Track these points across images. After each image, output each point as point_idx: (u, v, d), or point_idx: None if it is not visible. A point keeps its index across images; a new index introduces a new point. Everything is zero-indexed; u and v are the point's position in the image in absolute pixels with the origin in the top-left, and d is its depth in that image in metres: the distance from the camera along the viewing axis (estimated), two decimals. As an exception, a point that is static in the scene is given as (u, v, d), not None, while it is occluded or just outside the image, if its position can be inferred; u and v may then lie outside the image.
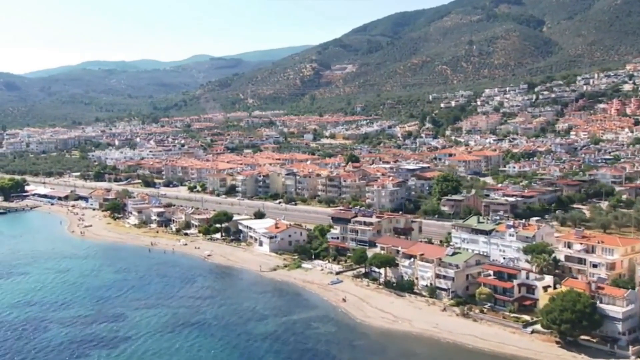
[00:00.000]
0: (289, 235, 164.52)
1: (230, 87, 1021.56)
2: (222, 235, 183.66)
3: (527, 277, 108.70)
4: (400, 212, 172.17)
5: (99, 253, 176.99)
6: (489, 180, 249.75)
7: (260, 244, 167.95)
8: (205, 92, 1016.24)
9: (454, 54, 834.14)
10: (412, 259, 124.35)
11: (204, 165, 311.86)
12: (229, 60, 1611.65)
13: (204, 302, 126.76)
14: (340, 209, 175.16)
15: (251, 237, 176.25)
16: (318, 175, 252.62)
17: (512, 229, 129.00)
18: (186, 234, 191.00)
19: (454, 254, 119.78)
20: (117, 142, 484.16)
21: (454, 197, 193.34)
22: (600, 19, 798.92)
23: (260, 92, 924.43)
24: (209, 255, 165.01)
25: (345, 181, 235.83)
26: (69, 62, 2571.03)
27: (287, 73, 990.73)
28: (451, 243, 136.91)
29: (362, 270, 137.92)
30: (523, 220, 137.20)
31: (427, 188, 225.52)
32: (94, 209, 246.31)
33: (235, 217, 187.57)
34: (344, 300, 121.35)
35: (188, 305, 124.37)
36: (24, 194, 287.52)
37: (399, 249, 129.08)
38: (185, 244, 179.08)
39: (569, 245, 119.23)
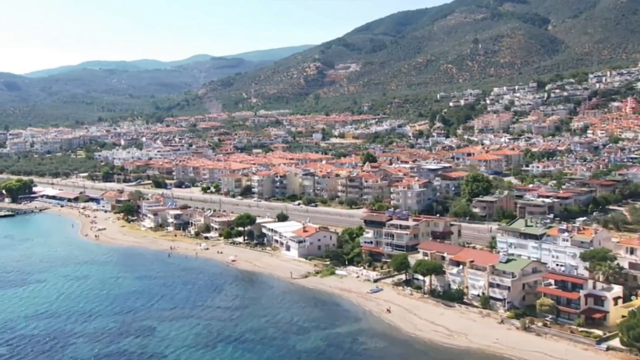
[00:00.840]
0: (318, 240, 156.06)
1: (233, 86, 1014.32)
2: (244, 239, 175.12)
3: (594, 287, 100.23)
4: (438, 215, 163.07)
5: (117, 258, 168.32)
6: (511, 180, 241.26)
7: (288, 248, 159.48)
8: (208, 91, 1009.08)
9: (459, 53, 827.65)
10: (460, 266, 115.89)
11: (216, 165, 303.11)
12: (230, 59, 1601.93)
13: (236, 312, 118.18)
14: (373, 212, 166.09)
15: (276, 241, 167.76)
16: (337, 175, 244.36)
17: (565, 233, 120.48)
18: (206, 238, 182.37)
19: (508, 261, 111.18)
20: (122, 142, 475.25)
21: (486, 198, 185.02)
22: (606, 17, 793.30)
23: (264, 92, 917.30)
24: (233, 261, 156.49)
25: (366, 182, 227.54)
26: (69, 62, 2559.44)
27: (290, 72, 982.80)
28: (500, 249, 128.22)
29: (403, 277, 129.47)
30: (577, 224, 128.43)
31: (452, 189, 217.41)
32: (105, 211, 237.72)
33: (258, 220, 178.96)
34: (389, 311, 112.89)
35: (220, 317, 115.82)
36: (32, 195, 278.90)
37: (445, 255, 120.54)
38: (207, 249, 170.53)
39: (632, 251, 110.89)
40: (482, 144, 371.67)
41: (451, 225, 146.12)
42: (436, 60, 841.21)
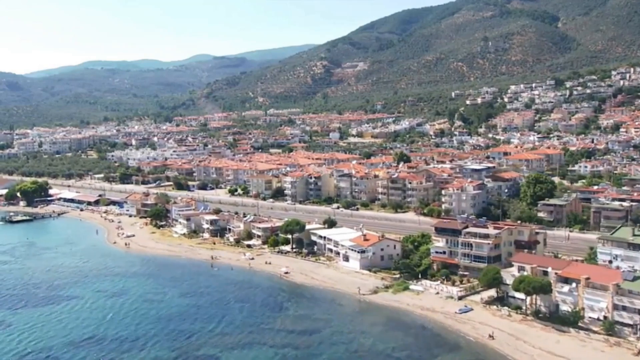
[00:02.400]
0: (381, 249, 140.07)
1: (238, 85, 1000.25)
2: (292, 248, 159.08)
3: None
4: (524, 222, 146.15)
5: (154, 270, 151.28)
6: (556, 180, 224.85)
7: (346, 259, 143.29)
8: (213, 90, 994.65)
9: (469, 51, 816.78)
10: (572, 284, 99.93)
11: (241, 166, 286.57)
12: (232, 59, 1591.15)
13: (310, 338, 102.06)
14: (446, 219, 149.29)
15: (330, 250, 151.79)
16: (376, 176, 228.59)
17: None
18: (249, 246, 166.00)
19: (634, 278, 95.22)
20: (134, 142, 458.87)
21: (554, 201, 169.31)
22: (618, 14, 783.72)
23: (270, 91, 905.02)
24: (286, 273, 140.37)
25: (410, 183, 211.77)
26: (69, 62, 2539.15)
27: (296, 71, 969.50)
28: (602, 261, 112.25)
29: (492, 294, 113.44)
30: None
31: (505, 190, 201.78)
32: (130, 216, 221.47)
33: (307, 226, 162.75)
34: (492, 337, 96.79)
35: (293, 343, 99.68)
36: (49, 198, 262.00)
37: (549, 269, 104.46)
38: (252, 258, 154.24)
39: None
40: (510, 143, 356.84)
41: (536, 233, 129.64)
42: (446, 58, 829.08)
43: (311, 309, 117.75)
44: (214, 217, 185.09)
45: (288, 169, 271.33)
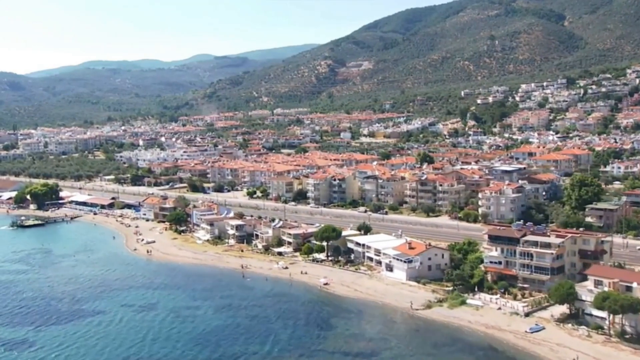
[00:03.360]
0: (429, 259, 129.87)
1: (242, 85, 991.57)
2: (328, 256, 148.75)
3: None
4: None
5: (181, 280, 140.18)
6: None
7: (390, 269, 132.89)
8: (216, 90, 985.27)
9: (475, 50, 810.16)
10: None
11: (258, 167, 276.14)
12: (233, 58, 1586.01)
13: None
14: (500, 226, 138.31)
15: (370, 259, 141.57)
16: (402, 178, 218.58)
17: None
18: (279, 254, 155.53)
19: None
20: (141, 142, 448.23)
21: (603, 205, 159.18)
22: (625, 12, 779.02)
23: (275, 90, 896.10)
24: (325, 284, 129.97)
25: (441, 185, 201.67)
26: (70, 62, 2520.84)
27: (301, 70, 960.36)
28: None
29: (564, 310, 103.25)
30: None
31: (542, 193, 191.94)
32: (147, 220, 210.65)
33: (343, 233, 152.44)
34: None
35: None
36: (60, 201, 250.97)
37: (634, 285, 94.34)
38: (286, 267, 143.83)
39: None
40: (530, 143, 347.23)
41: (602, 242, 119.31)
42: (452, 57, 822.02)
43: (362, 326, 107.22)
44: (240, 222, 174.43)
45: (307, 170, 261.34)
